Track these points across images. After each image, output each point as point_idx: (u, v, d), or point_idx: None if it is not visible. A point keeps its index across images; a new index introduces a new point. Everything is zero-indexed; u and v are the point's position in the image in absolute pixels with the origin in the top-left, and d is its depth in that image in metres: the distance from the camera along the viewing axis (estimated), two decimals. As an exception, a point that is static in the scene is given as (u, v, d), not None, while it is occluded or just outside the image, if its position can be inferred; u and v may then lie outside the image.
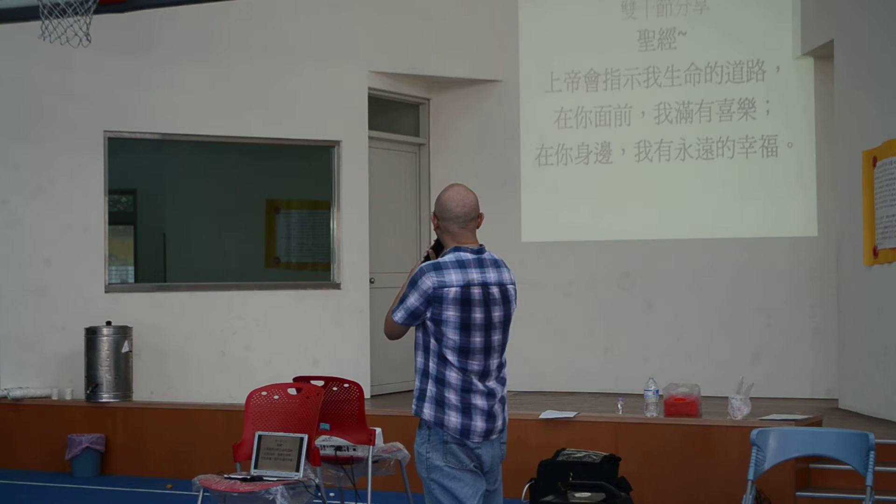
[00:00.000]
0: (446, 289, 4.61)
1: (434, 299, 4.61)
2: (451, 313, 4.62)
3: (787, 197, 11.40)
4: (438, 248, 4.80)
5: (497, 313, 4.76)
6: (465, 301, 4.64)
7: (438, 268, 4.64)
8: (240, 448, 6.57)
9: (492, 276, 4.76)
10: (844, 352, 10.32)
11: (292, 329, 11.35)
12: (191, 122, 11.14)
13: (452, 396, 4.64)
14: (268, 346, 11.20)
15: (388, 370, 11.81)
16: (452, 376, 4.65)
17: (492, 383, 4.73)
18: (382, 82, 12.03)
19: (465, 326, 4.65)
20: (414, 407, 4.70)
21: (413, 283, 4.63)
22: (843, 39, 10.33)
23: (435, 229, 4.79)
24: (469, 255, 4.71)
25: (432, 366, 4.66)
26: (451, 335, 4.63)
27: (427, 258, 4.81)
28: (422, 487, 4.77)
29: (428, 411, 4.65)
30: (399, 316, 4.65)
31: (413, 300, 4.62)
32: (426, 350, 4.67)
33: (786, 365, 11.26)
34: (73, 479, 9.72)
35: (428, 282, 4.61)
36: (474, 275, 4.69)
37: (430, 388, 4.66)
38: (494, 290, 4.74)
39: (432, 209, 4.85)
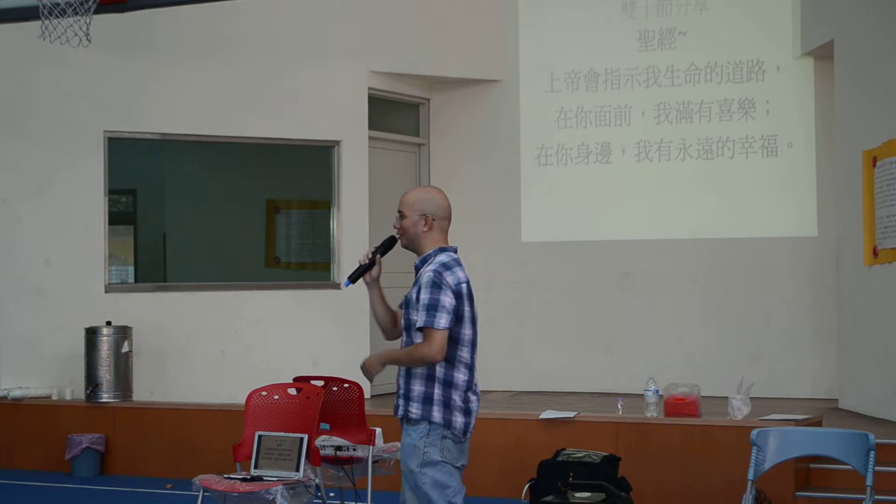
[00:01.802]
0: (461, 284, 4.75)
1: (458, 295, 4.72)
2: (466, 308, 4.76)
3: (787, 197, 11.40)
4: (387, 250, 4.90)
5: (476, 309, 4.93)
6: (469, 296, 4.80)
7: (449, 267, 4.75)
8: (240, 448, 6.57)
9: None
10: (844, 352, 10.31)
11: (292, 329, 11.35)
12: (191, 122, 11.14)
13: (457, 398, 4.74)
14: (268, 346, 11.20)
15: (388, 370, 11.76)
16: (460, 378, 4.74)
17: (476, 378, 4.90)
18: (382, 82, 12.03)
19: (473, 321, 4.82)
20: (419, 411, 4.72)
21: (440, 286, 4.68)
22: (843, 39, 10.33)
23: (425, 230, 4.81)
24: (455, 255, 4.86)
25: (440, 369, 4.73)
26: (468, 330, 4.77)
27: (372, 263, 4.88)
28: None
29: (437, 414, 4.71)
30: (444, 321, 4.66)
31: (449, 300, 4.67)
32: None
33: (786, 365, 11.26)
34: (73, 479, 9.71)
35: (451, 279, 4.71)
36: (465, 272, 4.85)
37: (437, 392, 4.72)
38: (471, 288, 4.90)
39: (422, 210, 4.83)
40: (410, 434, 4.74)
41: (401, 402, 4.81)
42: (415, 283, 4.81)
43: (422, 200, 4.82)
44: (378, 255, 4.91)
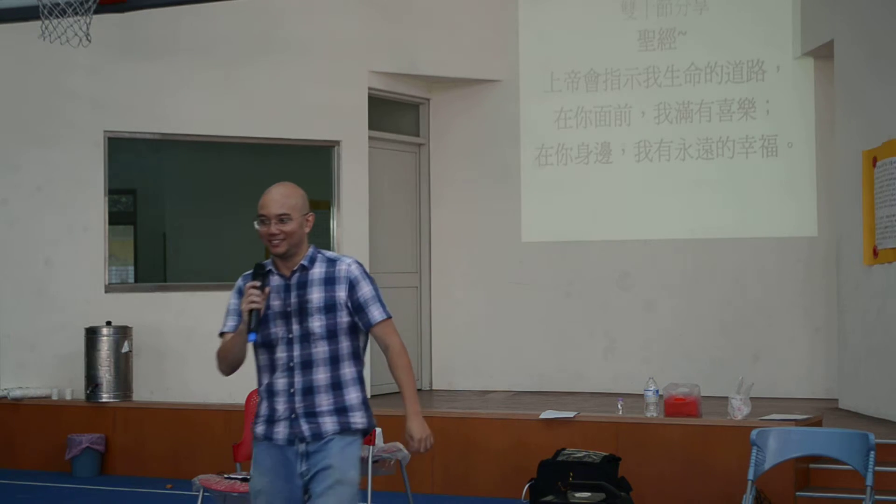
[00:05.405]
0: None
1: None
2: None
3: (787, 197, 11.40)
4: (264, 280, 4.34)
5: None
6: None
7: None
8: (240, 448, 6.58)
9: None
10: (844, 352, 10.31)
11: (292, 329, 11.32)
12: (191, 122, 11.14)
13: None
14: (268, 346, 11.17)
15: (388, 370, 11.78)
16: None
17: None
18: (382, 82, 12.03)
19: None
20: (365, 420, 4.36)
21: (370, 276, 4.40)
22: (843, 39, 10.33)
23: (307, 230, 4.35)
24: None
25: (361, 369, 4.44)
26: None
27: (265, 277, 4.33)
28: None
29: (373, 419, 4.45)
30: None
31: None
32: (357, 356, 4.42)
33: (786, 365, 11.25)
34: (73, 479, 9.72)
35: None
36: None
37: (365, 395, 4.44)
38: None
39: (305, 210, 4.39)
40: (353, 444, 4.33)
41: (329, 418, 4.29)
42: (310, 285, 4.32)
43: (303, 199, 4.35)
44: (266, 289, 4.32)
